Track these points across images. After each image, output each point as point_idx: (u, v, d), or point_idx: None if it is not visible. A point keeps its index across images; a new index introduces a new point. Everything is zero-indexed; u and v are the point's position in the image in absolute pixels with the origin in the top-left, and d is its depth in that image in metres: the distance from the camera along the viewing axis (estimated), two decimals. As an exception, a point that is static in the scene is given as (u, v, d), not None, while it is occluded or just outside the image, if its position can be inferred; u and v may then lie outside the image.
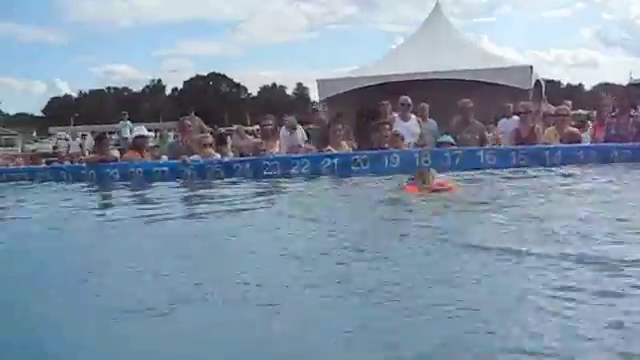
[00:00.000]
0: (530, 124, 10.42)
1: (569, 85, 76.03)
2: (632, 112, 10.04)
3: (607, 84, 67.31)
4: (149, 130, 14.75)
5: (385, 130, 10.07)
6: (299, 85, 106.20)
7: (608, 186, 7.13)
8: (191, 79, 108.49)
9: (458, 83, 14.67)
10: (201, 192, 8.35)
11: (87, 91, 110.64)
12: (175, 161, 9.85)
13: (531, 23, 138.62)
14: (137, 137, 11.00)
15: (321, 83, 16.61)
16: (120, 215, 6.66)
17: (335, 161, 9.42)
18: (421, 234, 4.60)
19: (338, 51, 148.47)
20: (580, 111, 24.48)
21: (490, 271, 3.50)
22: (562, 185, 7.32)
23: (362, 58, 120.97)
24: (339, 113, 12.01)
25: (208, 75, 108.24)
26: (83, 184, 9.56)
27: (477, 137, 10.26)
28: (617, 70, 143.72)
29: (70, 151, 23.47)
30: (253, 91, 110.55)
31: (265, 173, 9.46)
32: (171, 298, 3.24)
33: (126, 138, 18.26)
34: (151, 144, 14.00)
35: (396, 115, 11.06)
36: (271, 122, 11.07)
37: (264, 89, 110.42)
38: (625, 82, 59.67)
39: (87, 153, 18.89)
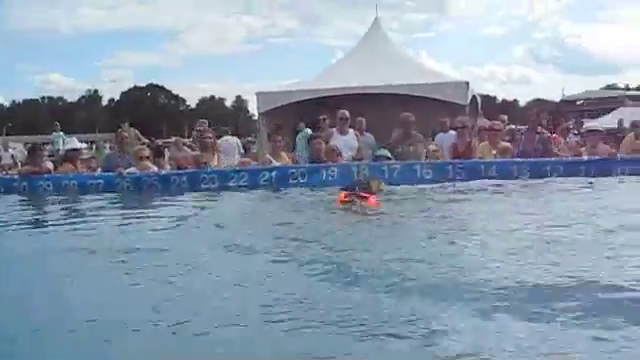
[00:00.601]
0: (467, 139, 10.60)
1: (504, 101, 77.61)
2: (539, 129, 10.35)
3: (540, 100, 69.11)
4: (84, 142, 14.52)
5: (319, 144, 10.12)
6: (238, 98, 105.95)
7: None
8: (129, 90, 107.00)
9: (396, 97, 14.80)
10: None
11: (20, 100, 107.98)
12: (110, 174, 9.66)
13: (467, 40, 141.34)
14: (69, 150, 10.80)
15: (260, 96, 16.54)
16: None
17: (273, 174, 9.39)
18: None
19: (278, 64, 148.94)
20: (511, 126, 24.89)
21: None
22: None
23: (302, 72, 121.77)
24: (278, 125, 12.01)
25: (146, 86, 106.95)
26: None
27: (418, 150, 10.36)
28: (550, 87, 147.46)
29: (2, 162, 22.80)
30: (192, 103, 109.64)
31: (203, 186, 9.37)
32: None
33: (59, 150, 17.88)
34: (86, 156, 13.71)
35: (334, 129, 11.10)
36: (210, 134, 10.98)
37: (203, 101, 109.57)
38: (558, 98, 61.55)
39: (19, 165, 18.40)
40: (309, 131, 12.42)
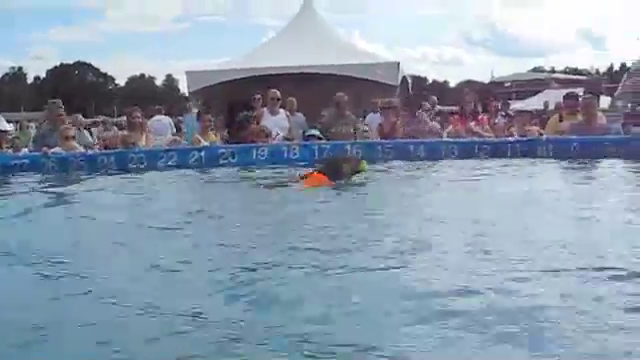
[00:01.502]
0: (392, 119, 10.68)
1: (435, 81, 78.60)
2: (417, 113, 10.56)
3: (470, 81, 70.24)
4: (9, 121, 14.05)
5: (250, 124, 10.06)
6: (169, 76, 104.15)
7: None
8: (55, 67, 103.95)
9: (327, 77, 14.84)
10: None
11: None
12: (36, 153, 9.39)
13: (400, 21, 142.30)
14: (-2, 131, 10.39)
15: (190, 75, 16.36)
16: None
17: (202, 154, 9.29)
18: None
19: (209, 43, 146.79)
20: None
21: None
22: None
23: (234, 51, 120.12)
24: (207, 105, 11.89)
25: (73, 64, 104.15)
26: None
27: (352, 130, 10.39)
28: (480, 68, 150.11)
29: None
30: (121, 81, 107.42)
31: (131, 166, 9.20)
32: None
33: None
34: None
35: (265, 109, 11.04)
36: (139, 114, 10.75)
37: (132, 79, 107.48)
38: (487, 80, 62.67)
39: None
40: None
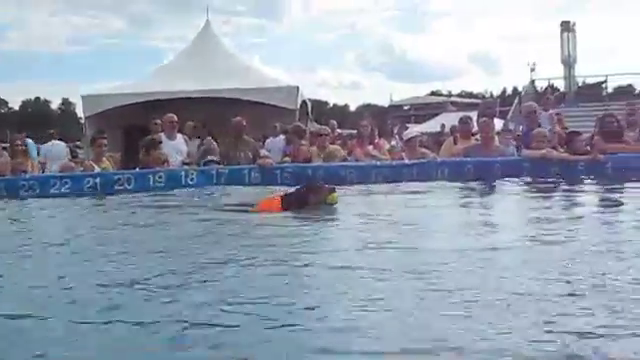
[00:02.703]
0: (297, 144, 10.75)
1: (335, 105, 79.57)
2: None
3: (370, 105, 71.51)
4: None
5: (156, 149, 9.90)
6: (65, 100, 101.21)
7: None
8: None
9: (227, 101, 14.79)
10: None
11: None
12: None
13: (301, 45, 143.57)
14: None
15: (86, 99, 15.94)
16: None
17: (97, 180, 9.05)
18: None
19: (107, 66, 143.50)
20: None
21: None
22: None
23: (132, 74, 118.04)
24: (101, 130, 11.61)
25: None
26: None
27: (250, 155, 10.35)
28: (380, 92, 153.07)
29: None
30: (14, 105, 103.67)
31: (22, 193, 8.87)
32: None
33: None
34: None
35: (162, 134, 10.86)
36: (19, 142, 10.42)
37: (27, 103, 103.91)
38: (387, 103, 63.90)
39: None
40: None
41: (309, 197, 6.37)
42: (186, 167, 9.85)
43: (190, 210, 7.03)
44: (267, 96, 15.40)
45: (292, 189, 6.80)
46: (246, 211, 6.42)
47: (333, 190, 6.50)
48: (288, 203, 6.37)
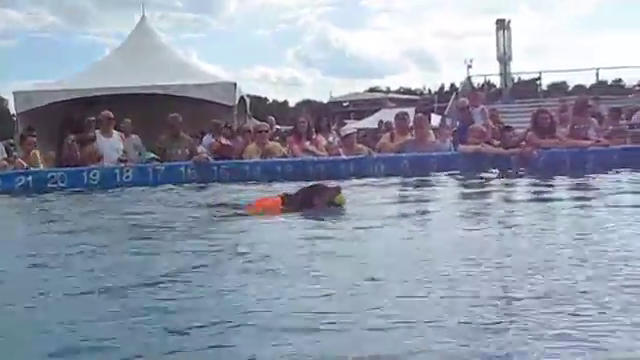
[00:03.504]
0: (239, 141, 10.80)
1: (275, 101, 79.31)
2: None
3: (309, 101, 71.59)
4: None
5: (83, 146, 9.79)
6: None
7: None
8: None
9: (163, 98, 14.63)
10: None
11: None
12: None
13: (239, 42, 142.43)
14: None
15: (18, 95, 15.58)
16: None
17: (30, 179, 8.92)
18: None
19: (41, 62, 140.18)
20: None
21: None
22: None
23: (67, 70, 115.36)
24: (30, 127, 11.40)
25: None
26: None
27: (187, 151, 10.30)
28: (319, 88, 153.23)
29: None
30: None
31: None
32: None
33: None
34: None
35: (98, 131, 10.71)
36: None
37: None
38: (326, 99, 64.12)
39: None
40: None
41: (314, 198, 6.01)
42: (121, 164, 9.76)
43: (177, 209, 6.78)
44: (204, 92, 15.30)
45: (294, 189, 6.44)
46: (238, 212, 6.14)
47: (339, 190, 6.12)
48: (290, 204, 6.02)
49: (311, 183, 6.46)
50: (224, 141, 11.44)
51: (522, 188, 8.44)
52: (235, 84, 15.93)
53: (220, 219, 5.99)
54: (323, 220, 5.51)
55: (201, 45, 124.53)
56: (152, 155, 9.97)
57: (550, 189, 8.06)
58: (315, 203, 5.95)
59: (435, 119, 21.98)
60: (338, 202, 6.00)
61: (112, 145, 10.47)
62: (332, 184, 6.37)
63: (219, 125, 12.56)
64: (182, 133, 10.62)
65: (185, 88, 15.25)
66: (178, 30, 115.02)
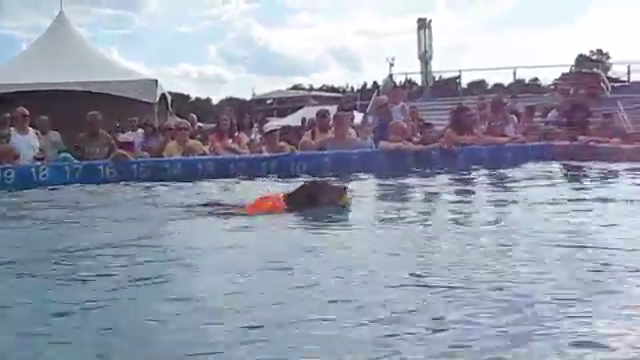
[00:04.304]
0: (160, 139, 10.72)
1: (198, 99, 78.45)
2: None
3: (232, 99, 71.14)
4: None
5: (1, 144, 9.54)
6: None
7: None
8: None
9: (83, 95, 14.38)
10: None
11: None
12: None
13: (161, 38, 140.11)
14: None
15: None
16: None
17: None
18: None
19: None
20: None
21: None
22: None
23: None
24: None
25: None
26: None
27: (106, 149, 10.13)
28: (242, 85, 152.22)
29: None
30: None
31: None
32: None
33: None
34: None
35: (13, 128, 10.43)
36: None
37: None
38: (249, 97, 63.83)
39: None
40: None
41: (319, 197, 5.70)
42: (37, 163, 9.54)
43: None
44: (125, 89, 15.12)
45: (294, 187, 6.11)
46: (233, 212, 5.76)
47: (345, 190, 5.85)
48: (293, 202, 5.73)
49: (315, 180, 6.34)
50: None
51: (442, 184, 8.61)
52: (156, 81, 15.80)
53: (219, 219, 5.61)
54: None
55: (122, 41, 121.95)
56: (65, 154, 9.75)
57: (467, 185, 8.34)
58: (320, 202, 5.68)
59: (358, 117, 22.20)
60: (344, 202, 5.76)
61: (28, 143, 10.21)
62: (338, 182, 6.24)
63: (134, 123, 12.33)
64: (101, 131, 10.45)
65: (105, 85, 15.03)
66: (98, 26, 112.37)
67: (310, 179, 6.73)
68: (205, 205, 6.14)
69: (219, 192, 7.79)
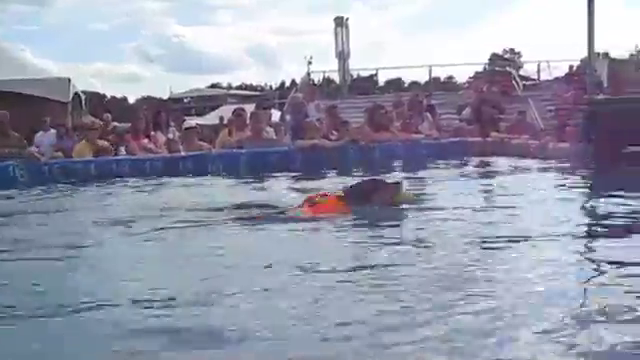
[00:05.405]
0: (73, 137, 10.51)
1: (113, 98, 76.91)
2: None
3: (149, 97, 70.00)
4: None
5: None
6: None
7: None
8: None
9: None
10: None
11: None
12: None
13: (73, 35, 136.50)
14: None
15: None
16: None
17: None
18: None
19: None
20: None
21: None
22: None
23: None
24: None
25: None
26: None
27: (15, 150, 9.85)
28: (159, 84, 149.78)
29: None
30: None
31: None
32: None
33: None
34: None
35: None
36: None
37: None
38: (166, 96, 62.98)
39: None
40: None
41: (372, 197, 5.39)
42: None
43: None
44: (36, 88, 14.68)
45: (349, 185, 5.82)
46: (290, 213, 5.42)
47: (400, 187, 5.58)
48: (347, 201, 5.42)
49: (370, 177, 6.12)
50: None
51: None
52: (69, 79, 15.43)
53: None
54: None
55: (33, 38, 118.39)
56: None
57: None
58: (374, 201, 5.38)
59: (276, 115, 22.23)
60: (400, 199, 5.49)
61: None
62: (392, 179, 6.04)
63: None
64: (11, 131, 10.15)
65: (15, 83, 14.55)
66: (7, 22, 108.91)
67: (367, 177, 6.48)
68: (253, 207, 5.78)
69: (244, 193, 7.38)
